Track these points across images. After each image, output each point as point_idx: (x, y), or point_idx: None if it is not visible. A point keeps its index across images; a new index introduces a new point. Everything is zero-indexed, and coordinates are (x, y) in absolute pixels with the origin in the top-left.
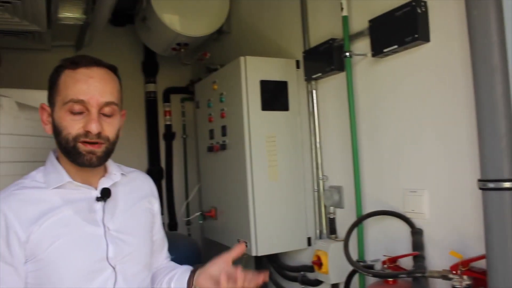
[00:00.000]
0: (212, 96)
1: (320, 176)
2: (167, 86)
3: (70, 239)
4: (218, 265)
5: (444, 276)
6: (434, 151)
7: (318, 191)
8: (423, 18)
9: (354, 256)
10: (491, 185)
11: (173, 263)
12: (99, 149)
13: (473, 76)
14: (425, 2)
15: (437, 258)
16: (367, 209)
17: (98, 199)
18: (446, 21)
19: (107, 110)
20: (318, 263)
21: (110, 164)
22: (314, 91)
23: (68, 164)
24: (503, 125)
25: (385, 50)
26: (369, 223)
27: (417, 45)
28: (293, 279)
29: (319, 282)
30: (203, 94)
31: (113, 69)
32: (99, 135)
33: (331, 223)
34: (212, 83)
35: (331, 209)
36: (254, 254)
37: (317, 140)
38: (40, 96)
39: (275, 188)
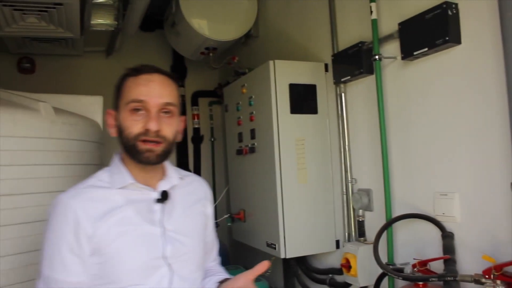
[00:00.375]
0: (241, 99)
1: (349, 179)
2: (195, 90)
3: (130, 237)
4: (241, 280)
5: (476, 281)
6: (465, 154)
7: (347, 194)
8: (454, 20)
9: (384, 259)
10: None
11: (219, 268)
12: (158, 148)
13: (506, 79)
14: (456, 4)
15: (469, 262)
16: (397, 212)
17: (157, 200)
18: (478, 23)
19: (165, 110)
20: (347, 265)
21: (169, 167)
22: (343, 94)
23: (131, 164)
24: None
25: (415, 53)
26: (398, 226)
27: (448, 47)
28: (322, 282)
29: (348, 285)
30: (232, 97)
31: (172, 76)
32: (157, 133)
33: (360, 226)
34: (241, 86)
35: (360, 212)
36: (282, 256)
37: (346, 143)
38: (74, 101)
39: (304, 191)
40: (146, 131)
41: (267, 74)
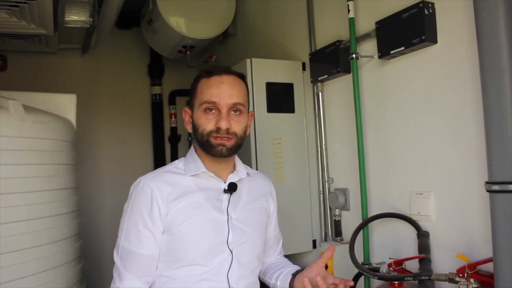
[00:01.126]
0: None
1: (326, 178)
2: (173, 89)
3: (199, 220)
4: (313, 270)
5: (450, 279)
6: (441, 154)
7: (324, 193)
8: (431, 20)
9: (360, 258)
10: (498, 187)
11: (285, 260)
12: (229, 142)
13: (481, 78)
14: (432, 4)
15: (444, 261)
16: (373, 212)
17: (225, 191)
18: (454, 22)
19: (235, 109)
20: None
21: (239, 163)
22: (320, 93)
23: (204, 156)
24: (510, 127)
25: (392, 52)
26: (375, 225)
27: (424, 46)
28: None
29: None
30: None
31: (241, 76)
32: (227, 131)
33: (337, 226)
34: None
35: (337, 211)
36: None
37: (323, 142)
38: (46, 99)
39: (280, 191)
40: (218, 129)
41: (244, 73)
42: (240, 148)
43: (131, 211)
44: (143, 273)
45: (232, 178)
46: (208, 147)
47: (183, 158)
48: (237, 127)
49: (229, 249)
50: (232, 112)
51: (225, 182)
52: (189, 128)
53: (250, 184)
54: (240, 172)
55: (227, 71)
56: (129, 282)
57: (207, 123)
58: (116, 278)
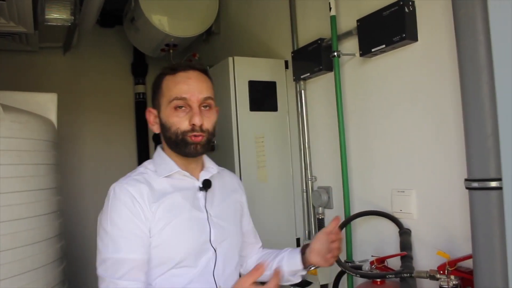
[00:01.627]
0: None
1: (309, 176)
2: None
3: (181, 221)
4: (319, 240)
5: (431, 276)
6: (422, 151)
7: (307, 191)
8: (411, 18)
9: (343, 256)
10: (477, 184)
11: (272, 249)
12: (202, 140)
13: (460, 76)
14: (412, 2)
15: (425, 258)
16: (356, 210)
17: (200, 188)
18: (434, 20)
19: (205, 104)
20: None
21: (207, 160)
22: (302, 91)
23: (174, 156)
24: (489, 125)
25: (373, 50)
26: (357, 223)
27: (405, 44)
28: None
29: (308, 283)
30: None
31: (205, 71)
32: (201, 127)
33: (320, 224)
34: None
35: (320, 209)
36: None
37: (306, 140)
38: (26, 99)
39: (264, 189)
40: (193, 127)
41: (226, 71)
42: (210, 143)
43: (111, 220)
44: (138, 276)
45: (204, 175)
46: (182, 146)
47: (150, 160)
48: (208, 123)
49: (213, 247)
50: (203, 108)
51: (198, 180)
52: (156, 129)
53: (220, 180)
54: (210, 168)
55: (192, 66)
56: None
57: (179, 122)
58: None
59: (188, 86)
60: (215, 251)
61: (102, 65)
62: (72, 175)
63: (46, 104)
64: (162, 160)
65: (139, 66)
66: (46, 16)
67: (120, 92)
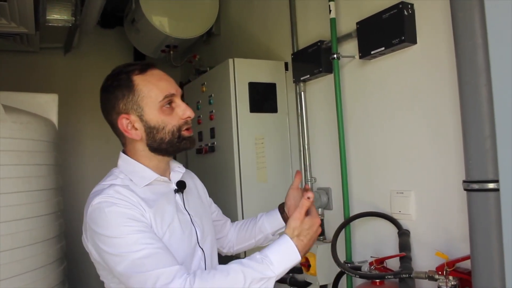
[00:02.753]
0: (201, 98)
1: (309, 177)
2: None
3: (175, 226)
4: (291, 195)
5: (430, 277)
6: (421, 153)
7: None
8: (410, 21)
9: (342, 257)
10: (475, 186)
11: (244, 219)
12: (192, 132)
13: (458, 78)
14: (412, 5)
15: (424, 259)
16: (355, 211)
17: (176, 190)
18: (433, 23)
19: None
20: (306, 264)
21: (171, 160)
22: (302, 93)
23: (147, 162)
24: (487, 127)
25: (372, 52)
26: (356, 224)
27: (404, 47)
28: (282, 281)
29: (308, 284)
30: (192, 96)
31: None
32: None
33: (320, 225)
34: (201, 85)
35: (320, 210)
36: (242, 256)
37: (306, 142)
38: (27, 99)
39: (264, 190)
40: (186, 121)
41: (227, 73)
42: None
43: (118, 225)
44: (173, 258)
45: (175, 177)
46: (179, 143)
47: (115, 171)
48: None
49: (201, 247)
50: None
51: (172, 182)
52: (137, 135)
53: (186, 179)
54: (177, 168)
55: (148, 64)
56: (170, 271)
57: (171, 118)
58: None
59: (168, 82)
60: (203, 251)
61: (103, 65)
62: (72, 176)
63: (47, 104)
64: (134, 168)
65: None
66: (47, 17)
67: None
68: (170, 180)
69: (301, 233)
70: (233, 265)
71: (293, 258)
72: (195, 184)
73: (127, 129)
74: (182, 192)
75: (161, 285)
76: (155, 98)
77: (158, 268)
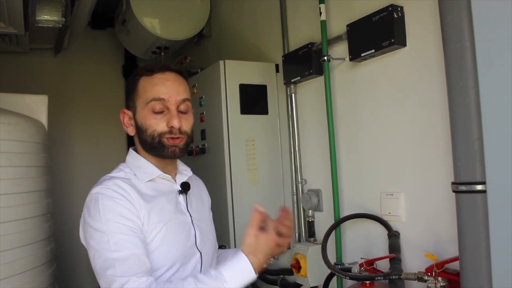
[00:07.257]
0: (192, 100)
1: (299, 179)
2: None
3: (171, 226)
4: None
5: (419, 278)
6: (411, 155)
7: (297, 194)
8: (400, 23)
9: (332, 259)
10: (463, 187)
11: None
12: (181, 142)
13: (447, 81)
14: (401, 7)
15: (414, 260)
16: (345, 212)
17: (180, 191)
18: (422, 26)
19: (183, 107)
20: (297, 266)
21: (180, 162)
22: (293, 95)
23: (151, 158)
24: (475, 129)
25: (362, 55)
26: (347, 226)
27: (393, 49)
28: (273, 282)
29: (298, 285)
30: None
31: (181, 73)
32: (179, 130)
33: (310, 227)
34: (191, 87)
35: (310, 212)
36: None
37: (296, 143)
38: (16, 100)
39: (254, 192)
40: (171, 129)
41: (217, 74)
42: (189, 146)
43: (106, 219)
44: (145, 268)
45: (181, 178)
46: (159, 149)
47: (124, 164)
48: (187, 125)
49: (199, 250)
50: (181, 110)
51: (176, 183)
52: (131, 131)
53: (191, 182)
54: (184, 171)
55: (169, 68)
56: (138, 283)
57: (157, 124)
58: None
59: (166, 88)
60: (200, 253)
61: (93, 67)
62: (62, 177)
63: (37, 106)
64: (140, 163)
65: (130, 68)
66: (37, 18)
67: (111, 94)
68: (175, 180)
69: (257, 249)
70: (189, 279)
71: (248, 276)
72: (199, 189)
73: (124, 123)
74: (186, 194)
75: None
76: (144, 99)
77: (125, 275)
